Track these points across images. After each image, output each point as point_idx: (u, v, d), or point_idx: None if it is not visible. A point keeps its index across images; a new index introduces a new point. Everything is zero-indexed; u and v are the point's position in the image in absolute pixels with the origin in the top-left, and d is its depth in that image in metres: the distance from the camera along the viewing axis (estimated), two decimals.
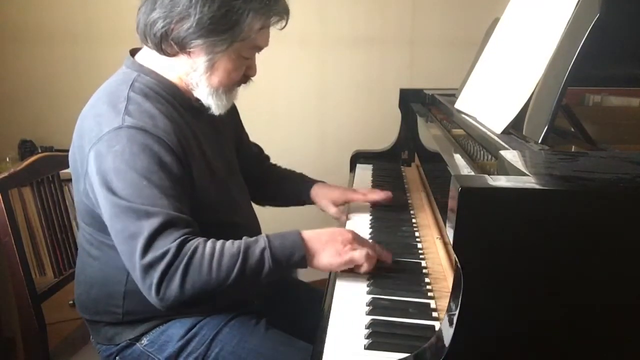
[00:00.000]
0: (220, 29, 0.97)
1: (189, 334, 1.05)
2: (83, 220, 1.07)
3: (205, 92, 1.05)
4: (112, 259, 1.03)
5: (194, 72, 1.03)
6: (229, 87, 1.06)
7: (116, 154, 0.91)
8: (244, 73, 1.08)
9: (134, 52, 1.10)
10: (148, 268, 0.87)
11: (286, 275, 0.94)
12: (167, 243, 0.87)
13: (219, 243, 0.91)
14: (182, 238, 0.89)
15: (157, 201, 0.90)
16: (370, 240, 1.06)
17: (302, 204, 1.43)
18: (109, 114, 0.95)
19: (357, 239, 0.99)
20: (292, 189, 1.43)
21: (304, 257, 0.94)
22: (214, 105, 1.06)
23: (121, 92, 0.99)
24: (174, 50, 1.01)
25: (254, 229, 1.24)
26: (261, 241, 0.93)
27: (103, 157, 0.92)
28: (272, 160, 1.52)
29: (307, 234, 0.96)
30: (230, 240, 0.93)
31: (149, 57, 1.06)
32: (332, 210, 1.37)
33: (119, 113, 0.95)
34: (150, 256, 0.87)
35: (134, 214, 0.89)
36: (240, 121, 1.38)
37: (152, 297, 0.88)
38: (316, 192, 1.40)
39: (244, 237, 0.95)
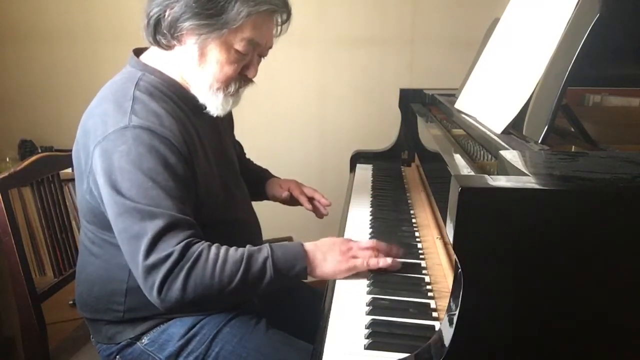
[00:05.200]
0: (206, 13, 0.97)
1: (190, 333, 1.05)
2: (85, 218, 1.08)
3: (200, 87, 1.04)
4: (114, 256, 1.04)
5: (187, 63, 1.02)
6: (225, 83, 1.04)
7: (122, 153, 0.92)
8: (242, 72, 1.06)
9: (137, 52, 1.11)
10: (151, 269, 0.88)
11: (288, 285, 0.97)
12: (171, 245, 0.89)
13: (223, 248, 0.93)
14: (186, 241, 0.90)
15: (161, 202, 0.90)
16: (372, 240, 1.07)
17: (260, 198, 1.45)
18: (115, 113, 0.96)
19: (357, 246, 1.02)
20: (254, 183, 1.45)
21: (305, 268, 0.96)
22: (210, 103, 1.05)
23: (127, 90, 0.99)
24: (168, 40, 1.01)
25: (254, 227, 1.25)
26: (264, 250, 0.95)
27: (108, 156, 0.93)
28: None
29: (308, 246, 0.99)
30: (233, 247, 0.95)
31: (153, 57, 1.07)
32: (279, 191, 1.41)
33: (126, 112, 0.95)
34: (153, 257, 0.88)
35: (138, 214, 0.89)
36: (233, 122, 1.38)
37: (153, 297, 0.90)
38: (269, 182, 1.45)
39: (248, 245, 0.97)
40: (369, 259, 1.00)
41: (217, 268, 0.90)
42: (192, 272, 0.89)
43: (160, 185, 0.91)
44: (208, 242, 0.93)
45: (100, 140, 0.94)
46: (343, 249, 1.00)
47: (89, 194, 1.01)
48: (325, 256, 0.98)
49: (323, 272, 0.98)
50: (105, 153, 0.93)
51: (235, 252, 0.93)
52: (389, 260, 1.01)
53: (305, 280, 1.02)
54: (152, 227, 0.89)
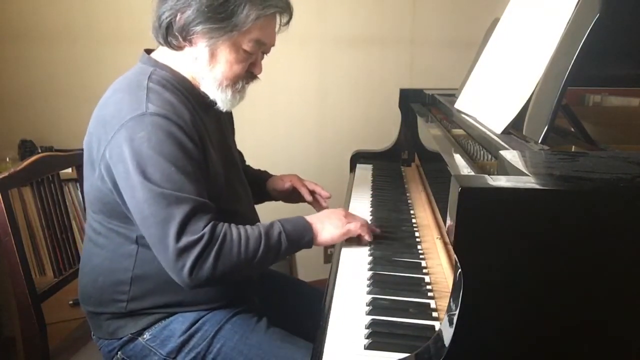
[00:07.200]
0: (217, 17, 1.01)
1: (191, 329, 1.06)
2: (92, 208, 1.09)
3: (210, 85, 1.08)
4: (120, 246, 1.06)
5: (198, 63, 1.06)
6: (233, 81, 1.08)
7: (142, 140, 0.95)
8: (248, 70, 1.10)
9: (147, 52, 1.13)
10: (182, 251, 0.93)
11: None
12: (200, 228, 0.94)
13: (242, 228, 1.01)
14: (212, 223, 0.96)
15: (184, 187, 0.95)
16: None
17: (263, 199, 1.47)
18: (130, 101, 0.98)
19: (349, 214, 1.17)
20: (254, 184, 1.47)
21: (312, 238, 1.08)
22: (220, 99, 1.09)
23: (140, 82, 1.02)
24: (179, 41, 1.04)
25: (253, 220, 1.25)
26: (276, 225, 1.05)
27: (129, 143, 0.95)
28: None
29: (310, 218, 1.11)
30: (248, 226, 1.02)
31: (163, 55, 1.10)
32: (281, 184, 1.45)
33: (141, 101, 0.98)
34: (184, 240, 0.93)
35: (164, 200, 0.93)
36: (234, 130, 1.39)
37: (182, 277, 0.94)
38: (270, 180, 1.48)
39: (258, 223, 1.07)
40: (361, 224, 1.15)
41: (242, 245, 0.98)
42: (221, 251, 0.95)
43: (181, 170, 0.95)
44: (227, 223, 0.99)
45: (118, 128, 0.96)
46: (338, 216, 1.14)
47: (100, 180, 1.02)
48: (324, 225, 1.10)
49: (322, 238, 1.10)
50: (125, 140, 0.95)
51: (253, 230, 1.01)
52: (377, 230, 1.21)
53: (305, 280, 1.04)
54: (180, 211, 0.93)
